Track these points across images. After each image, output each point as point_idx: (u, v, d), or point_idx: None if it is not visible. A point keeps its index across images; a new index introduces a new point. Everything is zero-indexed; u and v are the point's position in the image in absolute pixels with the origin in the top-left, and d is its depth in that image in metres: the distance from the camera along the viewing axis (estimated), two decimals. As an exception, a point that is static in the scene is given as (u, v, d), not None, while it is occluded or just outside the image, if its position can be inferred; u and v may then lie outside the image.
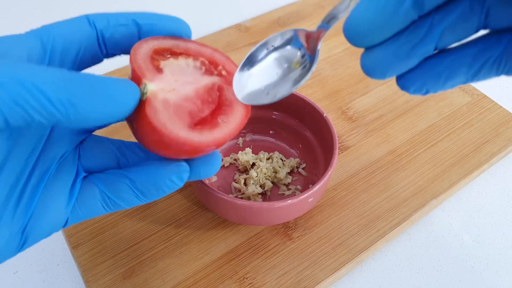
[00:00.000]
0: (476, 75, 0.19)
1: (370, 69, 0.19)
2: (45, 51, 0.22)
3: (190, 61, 0.25)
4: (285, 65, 0.26)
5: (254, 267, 0.38)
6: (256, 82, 0.26)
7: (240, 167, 0.44)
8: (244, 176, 0.42)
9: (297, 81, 0.25)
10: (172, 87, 0.23)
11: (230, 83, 0.26)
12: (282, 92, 0.25)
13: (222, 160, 0.44)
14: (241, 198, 0.41)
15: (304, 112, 0.43)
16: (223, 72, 0.26)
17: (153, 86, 0.22)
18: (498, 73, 0.19)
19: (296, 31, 0.26)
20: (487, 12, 0.18)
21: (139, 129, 0.23)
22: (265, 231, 0.40)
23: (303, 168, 0.44)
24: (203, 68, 0.25)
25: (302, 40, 0.25)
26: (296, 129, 0.45)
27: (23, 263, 0.40)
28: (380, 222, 0.41)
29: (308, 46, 0.25)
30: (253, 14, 0.63)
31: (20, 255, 0.40)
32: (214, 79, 0.25)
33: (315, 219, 0.41)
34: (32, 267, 0.39)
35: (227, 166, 0.44)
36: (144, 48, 0.24)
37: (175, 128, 0.22)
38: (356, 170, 0.45)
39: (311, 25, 0.61)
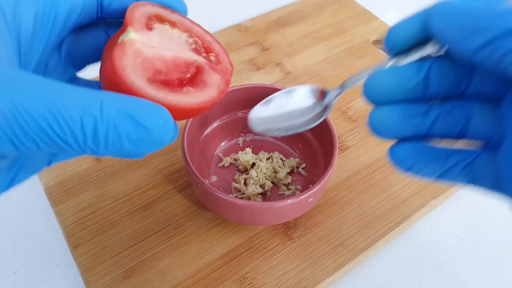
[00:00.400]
0: (446, 175, 0.22)
1: (375, 123, 0.22)
2: (50, 13, 0.22)
3: (184, 35, 0.25)
4: (302, 117, 0.30)
5: (254, 267, 0.38)
6: (272, 121, 0.30)
7: (240, 167, 0.44)
8: (244, 176, 0.42)
9: (303, 126, 0.29)
10: (153, 45, 0.23)
11: (215, 70, 0.25)
12: (289, 133, 0.29)
13: (222, 160, 0.44)
14: (241, 198, 0.41)
15: (304, 112, 0.43)
16: (212, 58, 0.26)
17: (134, 35, 0.22)
18: (466, 181, 0.22)
19: (318, 89, 0.30)
20: (468, 118, 0.21)
21: (102, 68, 0.22)
22: (265, 231, 0.40)
23: (303, 168, 0.44)
24: (194, 46, 0.25)
25: (318, 94, 0.30)
26: (296, 129, 0.45)
27: (23, 263, 0.40)
28: (380, 222, 0.41)
29: (320, 99, 0.30)
30: (253, 14, 0.63)
31: (20, 255, 0.40)
32: (199, 59, 0.25)
33: (315, 219, 0.41)
34: (32, 267, 0.39)
35: (227, 166, 0.44)
36: (146, 7, 0.24)
37: (133, 75, 0.21)
38: (356, 170, 0.45)
39: (311, 25, 0.61)
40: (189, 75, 0.24)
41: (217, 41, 0.27)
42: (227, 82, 0.26)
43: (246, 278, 0.37)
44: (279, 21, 0.62)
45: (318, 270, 0.38)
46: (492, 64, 0.18)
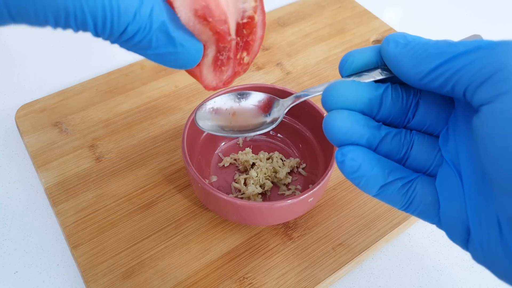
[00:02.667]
0: (387, 189, 0.23)
1: (331, 124, 0.23)
2: None
3: (249, 2, 0.25)
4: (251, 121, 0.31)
5: (254, 267, 0.38)
6: (220, 119, 0.31)
7: (240, 167, 0.44)
8: (244, 176, 0.42)
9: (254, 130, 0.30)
10: None
11: (234, 59, 0.27)
12: (239, 135, 0.30)
13: (222, 160, 0.44)
14: (241, 198, 0.41)
15: (304, 112, 0.43)
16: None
17: None
18: (403, 201, 0.23)
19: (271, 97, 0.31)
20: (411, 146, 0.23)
21: None
22: (265, 231, 0.40)
23: (303, 168, 0.44)
24: (244, 19, 0.25)
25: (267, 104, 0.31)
26: (296, 129, 0.45)
27: (23, 263, 0.40)
28: (380, 222, 0.41)
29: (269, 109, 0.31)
30: (253, 14, 0.63)
31: (20, 255, 0.40)
32: (233, 37, 0.25)
33: (315, 219, 0.41)
34: (32, 267, 0.39)
35: (227, 166, 0.44)
36: None
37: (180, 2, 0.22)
38: (356, 170, 0.45)
39: (311, 25, 0.61)
40: (225, 46, 0.25)
41: (264, 25, 0.27)
42: (235, 76, 0.27)
43: (246, 278, 0.37)
44: (279, 21, 0.62)
45: (318, 270, 0.38)
46: (439, 86, 0.20)
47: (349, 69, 0.24)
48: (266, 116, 0.31)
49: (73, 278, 0.39)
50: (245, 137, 0.46)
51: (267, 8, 0.64)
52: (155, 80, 0.52)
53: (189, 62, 0.23)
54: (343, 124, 0.22)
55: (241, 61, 0.27)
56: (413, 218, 0.42)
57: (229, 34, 0.24)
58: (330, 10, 0.64)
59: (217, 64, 0.26)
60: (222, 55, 0.25)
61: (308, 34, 0.60)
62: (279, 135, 0.46)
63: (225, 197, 0.34)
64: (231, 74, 0.27)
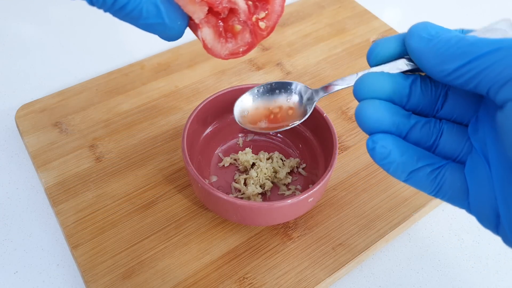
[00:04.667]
0: (416, 175, 0.24)
1: (363, 113, 0.24)
2: None
3: None
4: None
5: (254, 267, 0.38)
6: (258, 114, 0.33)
7: (240, 167, 0.44)
8: (244, 176, 0.42)
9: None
10: None
11: (246, 25, 0.26)
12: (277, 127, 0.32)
13: (222, 160, 0.44)
14: (241, 198, 0.41)
15: (304, 112, 0.43)
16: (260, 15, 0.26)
17: None
18: (432, 187, 0.24)
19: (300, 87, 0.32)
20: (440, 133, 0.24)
21: None
22: (265, 231, 0.40)
23: (303, 168, 0.44)
24: None
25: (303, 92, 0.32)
26: (296, 129, 0.45)
27: (23, 263, 0.40)
28: (380, 222, 0.41)
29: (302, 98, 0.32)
30: (253, 14, 0.63)
31: (20, 255, 0.40)
32: (240, 2, 0.25)
33: (315, 219, 0.41)
34: (32, 267, 0.39)
35: (227, 166, 0.44)
36: None
37: None
38: (356, 170, 0.45)
39: (311, 25, 0.61)
40: (223, 12, 0.25)
41: None
42: (250, 47, 0.27)
43: (246, 278, 0.37)
44: (279, 21, 0.62)
45: (318, 270, 0.38)
46: (463, 83, 0.21)
47: (376, 59, 0.25)
48: (300, 106, 0.32)
49: (73, 278, 0.39)
50: (245, 137, 0.46)
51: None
52: (155, 80, 0.52)
53: (174, 33, 0.25)
54: (374, 113, 0.23)
55: (258, 28, 0.26)
56: (413, 218, 0.42)
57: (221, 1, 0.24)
58: (330, 10, 0.64)
59: (220, 32, 0.25)
60: (225, 21, 0.25)
61: (308, 34, 0.60)
62: (279, 135, 0.46)
63: (225, 197, 0.34)
64: (246, 43, 0.26)
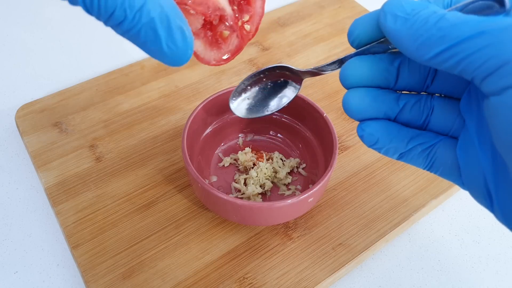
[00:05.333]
0: (407, 155, 0.24)
1: (350, 102, 0.24)
2: None
3: None
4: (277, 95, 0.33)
5: (254, 267, 0.38)
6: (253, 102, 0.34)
7: (240, 167, 0.44)
8: (244, 176, 0.42)
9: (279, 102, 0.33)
10: None
11: (234, 29, 0.26)
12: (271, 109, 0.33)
13: (222, 160, 0.44)
14: (241, 198, 0.41)
15: (304, 112, 0.43)
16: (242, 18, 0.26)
17: None
18: (424, 163, 0.24)
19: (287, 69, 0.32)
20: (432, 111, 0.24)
21: None
22: (265, 231, 0.40)
23: (303, 168, 0.44)
24: None
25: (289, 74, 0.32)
26: (296, 129, 0.45)
27: (23, 263, 0.40)
28: (380, 222, 0.41)
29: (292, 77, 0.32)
30: (253, 14, 0.63)
31: (20, 255, 0.40)
32: (227, 9, 0.25)
33: (315, 219, 0.41)
34: (32, 267, 0.39)
35: (227, 166, 0.44)
36: None
37: None
38: (356, 170, 0.45)
39: (311, 25, 0.61)
40: (214, 19, 0.25)
41: None
42: (238, 49, 0.27)
43: (246, 278, 0.37)
44: (279, 21, 0.62)
45: (318, 270, 0.38)
46: (446, 68, 0.19)
47: (355, 42, 0.24)
48: (284, 92, 0.33)
49: (73, 278, 0.39)
50: (245, 137, 0.46)
51: (267, 8, 0.64)
52: (155, 80, 0.52)
53: (175, 62, 0.23)
54: (360, 102, 0.23)
55: (243, 31, 0.27)
56: (413, 218, 0.42)
57: (215, 8, 0.24)
58: (330, 10, 0.64)
59: (210, 41, 0.25)
60: (213, 29, 0.25)
61: (308, 34, 0.60)
62: (279, 135, 0.46)
63: (225, 197, 0.34)
64: (235, 46, 0.27)
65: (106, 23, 0.21)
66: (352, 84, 0.24)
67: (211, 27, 0.25)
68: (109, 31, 0.26)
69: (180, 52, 0.22)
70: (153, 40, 0.22)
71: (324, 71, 0.27)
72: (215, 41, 0.26)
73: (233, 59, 0.28)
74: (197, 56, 0.26)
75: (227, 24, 0.26)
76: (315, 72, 0.28)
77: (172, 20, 0.21)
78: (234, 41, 0.27)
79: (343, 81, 0.24)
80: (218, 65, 0.27)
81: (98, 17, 0.21)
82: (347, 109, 0.24)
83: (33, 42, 0.60)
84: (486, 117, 0.19)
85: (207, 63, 0.26)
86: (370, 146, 0.24)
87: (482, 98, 0.20)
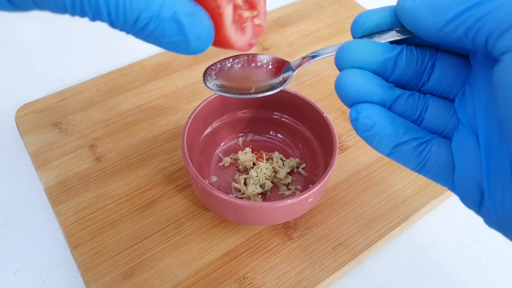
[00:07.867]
0: (401, 149, 0.23)
1: (343, 81, 0.23)
2: None
3: None
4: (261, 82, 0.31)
5: (254, 267, 0.38)
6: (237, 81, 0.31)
7: (240, 167, 0.44)
8: (244, 176, 0.42)
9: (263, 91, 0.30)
10: None
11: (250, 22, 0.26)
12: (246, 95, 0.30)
13: (222, 160, 0.44)
14: (241, 198, 0.41)
15: (304, 112, 0.43)
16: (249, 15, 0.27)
17: None
18: (417, 162, 0.23)
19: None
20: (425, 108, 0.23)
21: None
22: (265, 231, 0.40)
23: (303, 168, 0.44)
24: None
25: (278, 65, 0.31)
26: (296, 129, 0.45)
27: (23, 263, 0.40)
28: (380, 222, 0.41)
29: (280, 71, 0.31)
30: (253, 14, 0.63)
31: (20, 255, 0.40)
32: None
33: (315, 219, 0.41)
34: (32, 267, 0.39)
35: (227, 166, 0.44)
36: None
37: None
38: (356, 170, 0.45)
39: (311, 25, 0.61)
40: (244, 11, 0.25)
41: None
42: (256, 36, 0.27)
43: (246, 278, 0.37)
44: (279, 21, 0.62)
45: (318, 270, 0.38)
46: (458, 37, 0.19)
47: (361, 29, 0.23)
48: (277, 78, 0.31)
49: (73, 278, 0.39)
50: (245, 137, 0.46)
51: (267, 8, 0.64)
52: (155, 80, 0.52)
53: (200, 48, 0.23)
54: (355, 81, 0.22)
55: (255, 24, 0.26)
56: (413, 218, 0.42)
57: None
58: (330, 10, 0.64)
59: (237, 20, 0.25)
60: (238, 11, 0.25)
61: (308, 34, 0.60)
62: (279, 135, 0.46)
63: (225, 197, 0.34)
64: (253, 34, 0.27)
65: (131, 30, 0.21)
66: (347, 64, 0.22)
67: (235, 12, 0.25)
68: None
69: (204, 36, 0.22)
70: (178, 32, 0.22)
71: (320, 55, 0.26)
72: (242, 26, 0.26)
73: (250, 48, 0.27)
74: (227, 42, 0.25)
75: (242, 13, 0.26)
76: (309, 57, 0.27)
77: (190, 6, 0.22)
78: (252, 28, 0.27)
79: (339, 58, 0.23)
80: (249, 49, 0.26)
81: (123, 27, 0.21)
82: (340, 88, 0.22)
83: (33, 42, 0.60)
84: (494, 86, 0.19)
85: (240, 48, 0.26)
86: (363, 132, 0.22)
87: (489, 76, 0.20)
